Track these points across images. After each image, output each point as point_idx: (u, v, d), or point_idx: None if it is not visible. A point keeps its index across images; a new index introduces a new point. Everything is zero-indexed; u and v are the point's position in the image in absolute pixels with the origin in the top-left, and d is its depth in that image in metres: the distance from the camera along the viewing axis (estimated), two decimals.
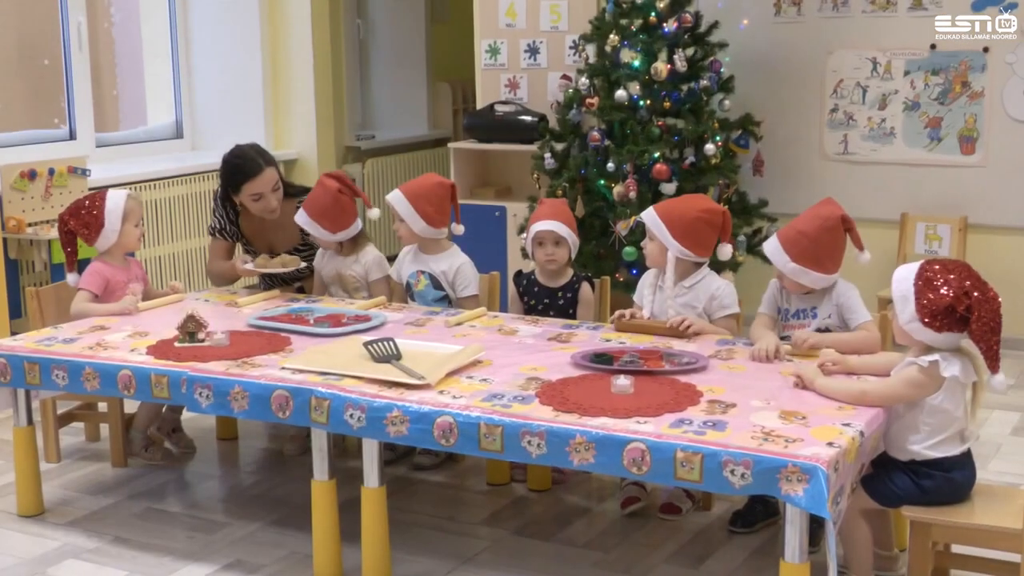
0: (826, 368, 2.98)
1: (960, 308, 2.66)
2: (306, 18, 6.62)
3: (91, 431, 4.32)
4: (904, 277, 2.76)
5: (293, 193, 4.25)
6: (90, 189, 5.33)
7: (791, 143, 5.69)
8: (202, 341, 3.43)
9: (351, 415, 2.96)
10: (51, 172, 5.27)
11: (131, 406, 4.10)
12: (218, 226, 4.28)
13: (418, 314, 3.80)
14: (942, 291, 2.68)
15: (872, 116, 5.54)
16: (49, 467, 4.02)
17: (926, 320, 2.70)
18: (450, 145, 6.07)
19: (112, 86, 6.71)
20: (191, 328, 3.45)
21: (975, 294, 2.66)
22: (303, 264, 4.13)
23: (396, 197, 3.96)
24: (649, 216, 3.51)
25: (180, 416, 4.18)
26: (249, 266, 4.11)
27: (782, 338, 3.33)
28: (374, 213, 4.21)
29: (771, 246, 3.26)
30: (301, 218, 4.05)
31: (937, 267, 2.72)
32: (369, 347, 3.23)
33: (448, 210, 3.99)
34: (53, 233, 4.98)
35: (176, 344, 3.42)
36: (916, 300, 2.71)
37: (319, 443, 3.12)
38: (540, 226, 3.86)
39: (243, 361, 3.26)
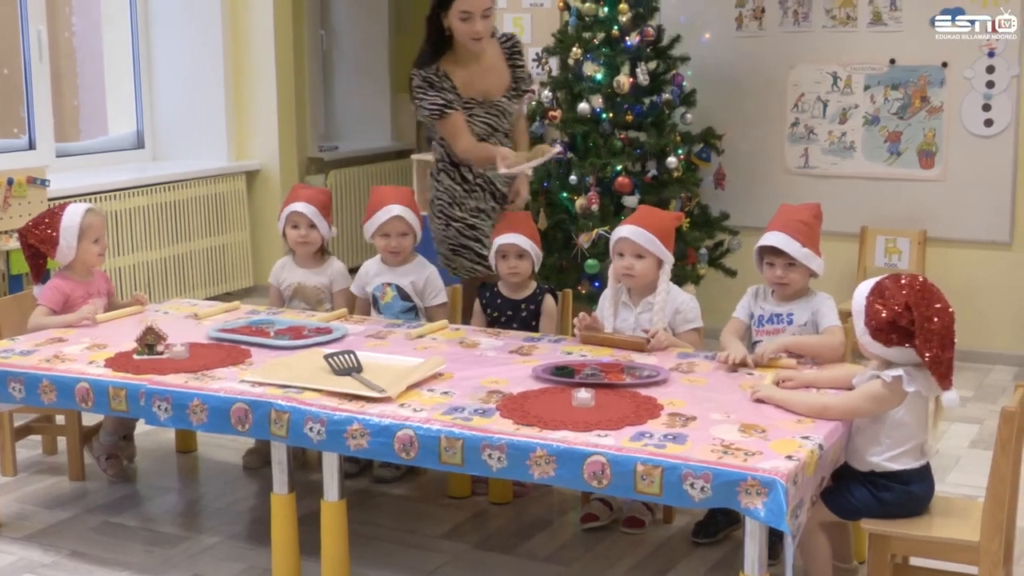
0: (782, 384, 3.00)
1: (903, 322, 2.67)
2: (268, 28, 6.59)
3: (48, 444, 4.27)
4: (861, 292, 2.78)
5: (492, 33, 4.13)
6: (50, 200, 5.27)
7: (752, 156, 5.72)
8: (161, 353, 3.39)
9: (311, 428, 2.94)
10: (10, 182, 5.20)
11: (89, 419, 4.05)
12: (442, 99, 4.01)
13: (379, 327, 3.78)
14: (886, 305, 2.70)
15: (833, 130, 5.58)
16: (5, 480, 3.97)
17: (872, 334, 2.72)
18: (413, 157, 6.05)
19: (73, 95, 6.65)
20: (150, 340, 3.41)
21: (922, 308, 2.66)
22: (556, 149, 4.08)
23: (406, 211, 3.95)
24: (638, 234, 3.51)
25: (134, 425, 4.11)
26: (512, 166, 3.92)
27: (753, 343, 3.36)
28: (333, 231, 4.21)
29: (778, 238, 3.30)
30: (308, 209, 4.06)
31: (889, 282, 2.74)
32: (330, 360, 3.21)
33: None
34: (12, 244, 4.92)
35: (135, 356, 3.38)
36: (865, 314, 2.74)
37: (279, 456, 3.10)
38: (503, 239, 3.87)
39: (202, 374, 3.23)
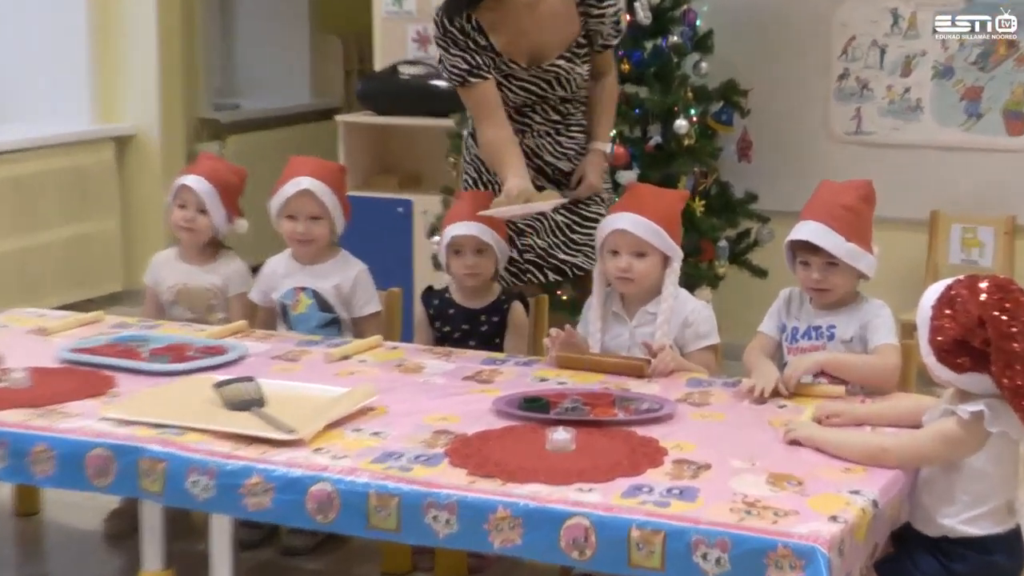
0: (825, 420, 3.00)
1: (975, 342, 2.67)
2: None
3: None
4: (928, 299, 2.78)
5: None
6: None
7: (788, 119, 5.74)
8: None
9: (195, 482, 2.91)
10: None
11: None
12: (467, 63, 3.91)
13: (290, 345, 3.78)
14: (955, 318, 2.70)
15: (893, 84, 5.60)
16: None
17: (939, 355, 2.72)
18: (339, 118, 6.04)
19: None
20: None
21: (1001, 324, 2.65)
22: (564, 199, 3.92)
23: (319, 187, 3.96)
24: (640, 225, 3.51)
25: None
26: (499, 206, 3.75)
27: (785, 365, 3.38)
28: (242, 225, 4.22)
29: (812, 230, 3.31)
30: (201, 186, 4.07)
31: (962, 288, 2.73)
32: (222, 390, 3.20)
33: None
34: None
35: None
36: (929, 329, 2.74)
37: (151, 521, 3.07)
38: (458, 229, 3.87)
39: (50, 409, 3.20)
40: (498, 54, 3.96)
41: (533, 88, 4.03)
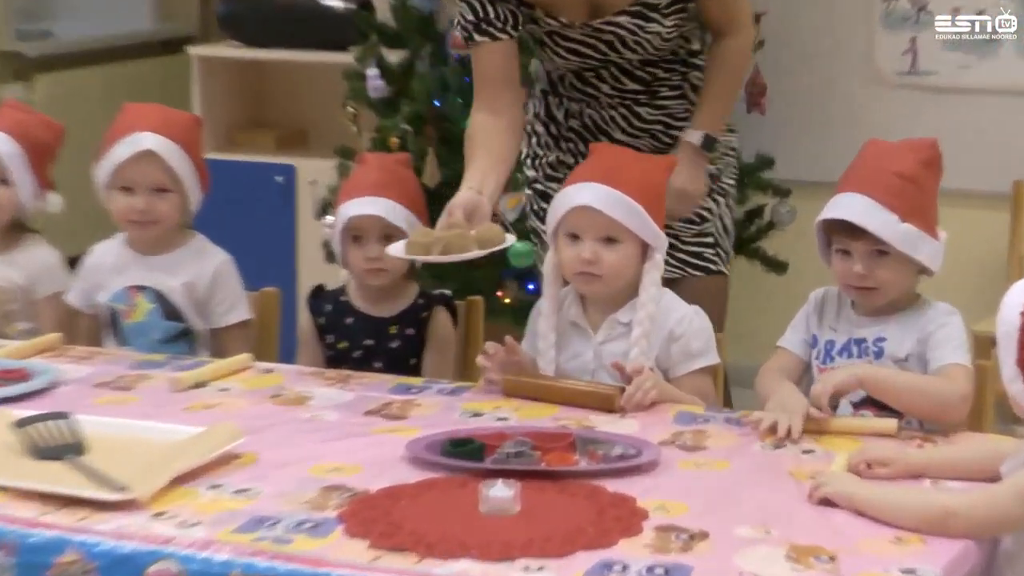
0: (867, 472, 3.00)
1: None
2: None
3: None
4: (1014, 301, 2.79)
5: None
6: None
7: (816, 54, 5.80)
8: None
9: None
10: None
11: None
12: (476, 14, 3.89)
13: (122, 367, 3.79)
14: None
15: (960, 6, 5.62)
16: None
17: None
18: (192, 50, 6.03)
19: None
20: None
21: None
22: (510, 240, 3.76)
23: (165, 146, 3.97)
24: (610, 201, 3.51)
25: None
26: (418, 249, 3.59)
27: None
28: (55, 201, 4.26)
29: (856, 205, 3.31)
30: (0, 144, 4.12)
31: None
32: (25, 430, 3.18)
33: None
34: None
35: None
36: (1018, 345, 2.74)
37: None
38: (358, 207, 3.90)
39: None
40: (527, 5, 3.93)
41: (587, 51, 4.02)
